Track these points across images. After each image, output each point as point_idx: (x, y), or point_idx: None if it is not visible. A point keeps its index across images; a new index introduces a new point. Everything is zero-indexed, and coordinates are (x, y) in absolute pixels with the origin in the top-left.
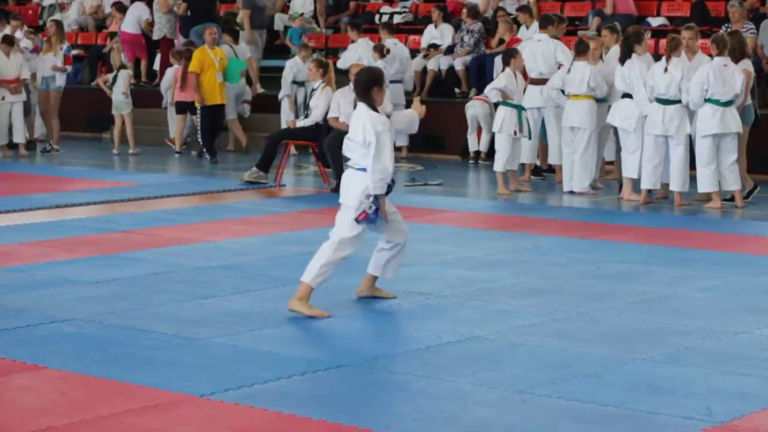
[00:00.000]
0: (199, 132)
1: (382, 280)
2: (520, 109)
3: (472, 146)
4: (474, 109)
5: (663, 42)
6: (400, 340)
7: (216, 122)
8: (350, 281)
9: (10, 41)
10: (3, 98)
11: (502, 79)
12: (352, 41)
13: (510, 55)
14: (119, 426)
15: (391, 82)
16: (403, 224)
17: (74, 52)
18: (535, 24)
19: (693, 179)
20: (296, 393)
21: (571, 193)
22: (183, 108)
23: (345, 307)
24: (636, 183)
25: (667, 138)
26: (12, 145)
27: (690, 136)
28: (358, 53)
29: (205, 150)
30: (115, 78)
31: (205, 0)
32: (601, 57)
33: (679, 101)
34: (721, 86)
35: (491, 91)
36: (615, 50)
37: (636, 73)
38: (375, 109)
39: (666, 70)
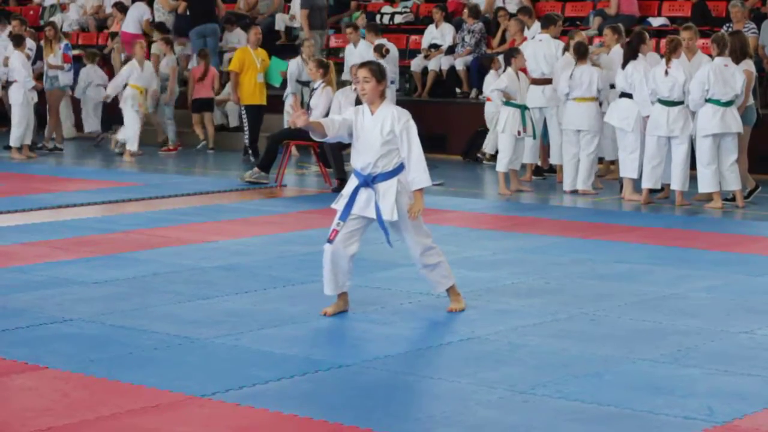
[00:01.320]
0: (246, 132)
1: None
2: (523, 108)
3: (486, 146)
4: (489, 108)
5: (664, 42)
6: (401, 340)
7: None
8: (352, 281)
9: (21, 39)
10: (32, 98)
11: (504, 79)
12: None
13: (511, 54)
14: (120, 426)
15: None
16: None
17: (75, 52)
18: (536, 24)
19: (693, 179)
20: (297, 393)
21: (573, 192)
22: (200, 106)
23: None
24: (636, 183)
25: (669, 138)
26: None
27: (691, 136)
28: (357, 53)
29: (250, 151)
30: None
31: (205, 0)
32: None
33: (683, 102)
34: (722, 86)
35: (493, 92)
36: (616, 50)
37: (640, 73)
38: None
39: (666, 72)
